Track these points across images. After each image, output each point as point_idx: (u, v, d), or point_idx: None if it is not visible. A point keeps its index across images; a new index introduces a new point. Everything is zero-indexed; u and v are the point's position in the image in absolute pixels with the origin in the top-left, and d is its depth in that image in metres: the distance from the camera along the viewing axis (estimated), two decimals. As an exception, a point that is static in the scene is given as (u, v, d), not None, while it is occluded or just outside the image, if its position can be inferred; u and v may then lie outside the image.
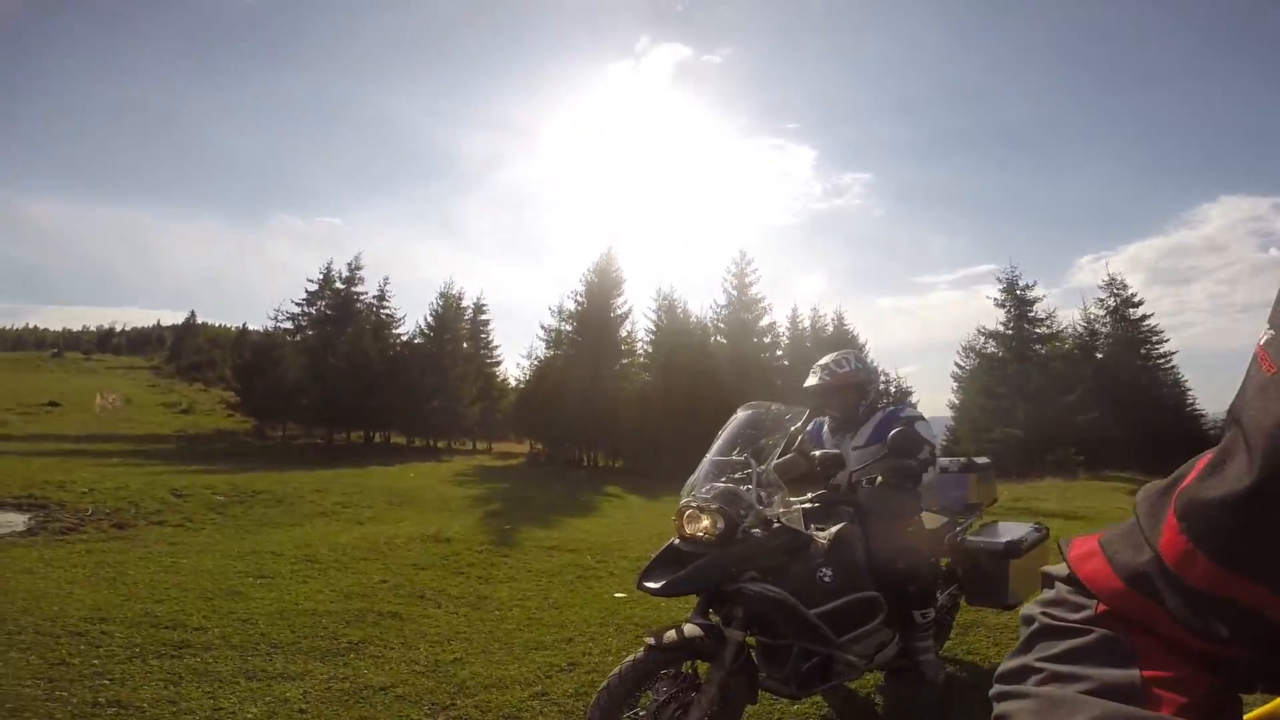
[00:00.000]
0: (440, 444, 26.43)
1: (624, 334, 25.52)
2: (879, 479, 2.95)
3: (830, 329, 27.03)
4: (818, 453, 3.06)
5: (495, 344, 30.52)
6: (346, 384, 23.07)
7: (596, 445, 24.59)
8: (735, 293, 25.69)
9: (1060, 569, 0.55)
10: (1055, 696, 0.45)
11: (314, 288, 26.58)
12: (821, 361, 3.21)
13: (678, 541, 2.49)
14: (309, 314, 26.48)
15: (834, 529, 2.71)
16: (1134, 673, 0.45)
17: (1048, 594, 0.55)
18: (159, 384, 42.27)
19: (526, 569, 5.77)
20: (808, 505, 2.81)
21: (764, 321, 25.77)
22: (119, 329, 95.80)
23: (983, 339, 25.32)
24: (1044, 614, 0.52)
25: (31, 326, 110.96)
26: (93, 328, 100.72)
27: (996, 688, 0.50)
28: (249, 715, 2.79)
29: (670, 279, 42.23)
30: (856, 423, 3.16)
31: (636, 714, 2.29)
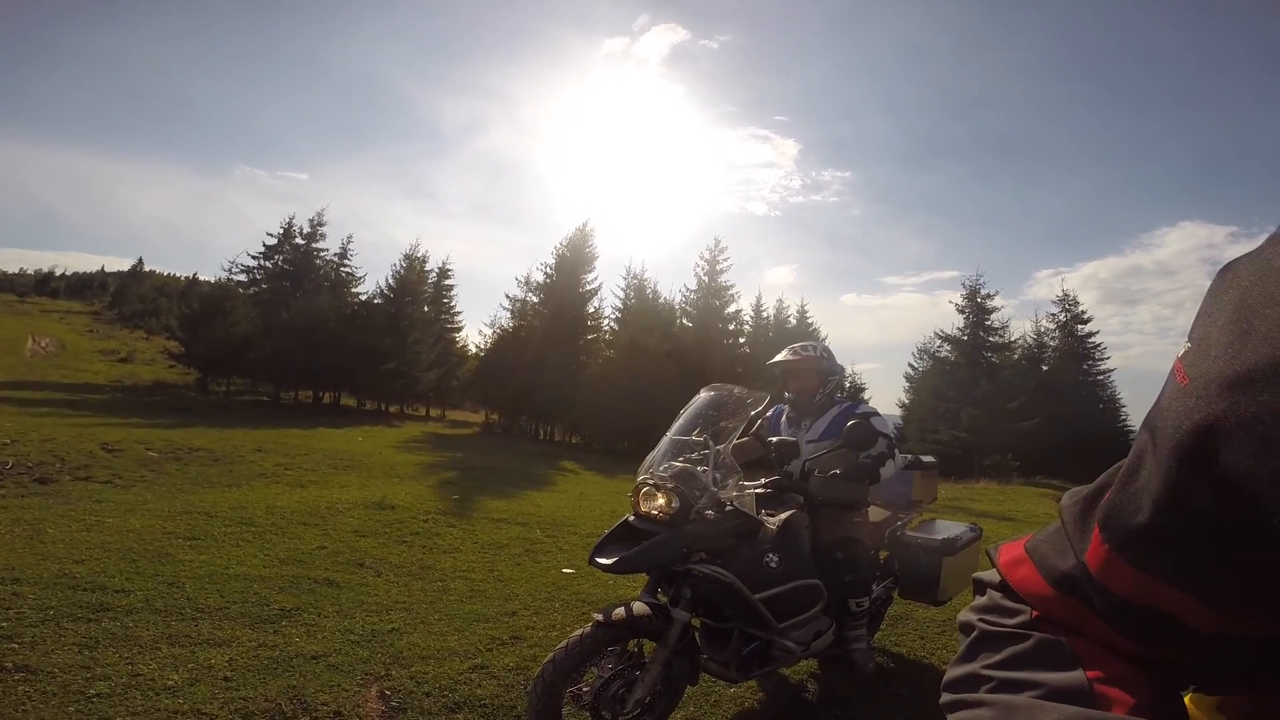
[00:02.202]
0: (392, 408, 25.92)
1: (590, 309, 25.35)
2: (832, 470, 2.98)
3: (793, 321, 27.36)
4: (774, 439, 3.10)
5: (458, 309, 30.03)
6: (298, 341, 22.30)
7: (555, 419, 24.47)
8: (706, 279, 25.76)
9: (992, 575, 0.55)
10: (1013, 703, 0.45)
11: (273, 241, 25.60)
12: (792, 345, 3.32)
13: (632, 518, 2.48)
14: (265, 268, 25.49)
15: (783, 515, 2.72)
16: (1079, 674, 0.45)
17: (981, 600, 0.55)
18: (98, 329, 40.23)
19: (473, 540, 5.69)
20: (760, 490, 2.81)
21: (731, 309, 25.94)
22: (59, 273, 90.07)
23: (938, 342, 26.06)
24: (981, 620, 0.52)
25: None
26: (30, 270, 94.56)
27: (946, 696, 0.50)
28: (169, 681, 2.66)
29: (642, 258, 41.99)
30: (812, 411, 3.24)
31: (579, 689, 2.27)
